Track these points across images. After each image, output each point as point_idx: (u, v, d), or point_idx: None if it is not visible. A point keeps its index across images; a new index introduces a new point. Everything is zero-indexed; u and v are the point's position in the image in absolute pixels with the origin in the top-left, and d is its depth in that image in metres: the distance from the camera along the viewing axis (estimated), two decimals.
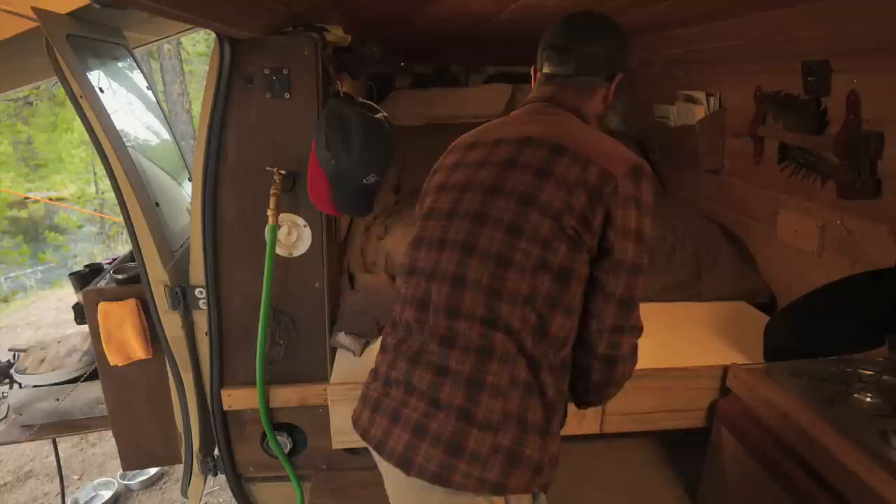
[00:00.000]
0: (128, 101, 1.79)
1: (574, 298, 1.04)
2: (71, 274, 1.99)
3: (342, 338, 1.73)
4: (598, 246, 1.04)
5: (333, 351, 1.76)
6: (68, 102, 1.68)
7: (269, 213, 1.52)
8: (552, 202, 1.02)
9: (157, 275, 1.58)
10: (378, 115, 1.53)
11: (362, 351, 1.74)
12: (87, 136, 1.54)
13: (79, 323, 1.94)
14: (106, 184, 8.75)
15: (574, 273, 1.03)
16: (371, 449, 1.09)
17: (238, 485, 1.81)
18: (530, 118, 1.18)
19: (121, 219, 1.61)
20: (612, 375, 1.09)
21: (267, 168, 1.52)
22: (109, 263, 2.03)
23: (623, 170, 1.03)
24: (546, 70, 1.23)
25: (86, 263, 2.10)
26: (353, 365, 1.71)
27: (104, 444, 3.18)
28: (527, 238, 1.02)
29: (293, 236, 1.60)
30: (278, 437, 1.72)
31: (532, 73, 1.29)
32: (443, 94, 3.07)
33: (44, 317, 5.36)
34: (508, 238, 1.03)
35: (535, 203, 1.02)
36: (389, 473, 1.09)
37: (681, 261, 2.16)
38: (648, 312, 1.15)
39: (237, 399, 1.69)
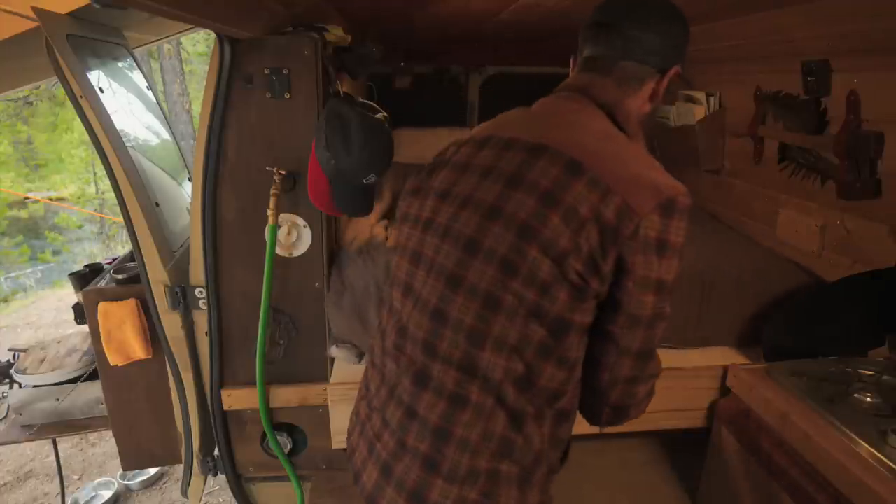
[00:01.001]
0: (128, 101, 1.79)
1: (571, 350, 0.88)
2: (71, 274, 1.99)
3: (335, 351, 1.73)
4: (608, 292, 0.86)
5: None
6: (68, 102, 1.68)
7: (269, 213, 1.52)
8: (556, 240, 0.83)
9: (157, 275, 1.58)
10: (378, 115, 1.53)
11: (360, 358, 1.74)
12: (87, 136, 1.54)
13: (79, 323, 1.94)
14: (106, 184, 8.75)
15: (574, 324, 0.86)
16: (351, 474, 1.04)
17: (238, 485, 1.81)
18: (551, 115, 0.98)
19: (121, 219, 1.61)
20: (624, 418, 0.97)
21: (267, 168, 1.52)
22: (109, 263, 2.03)
23: (650, 205, 0.82)
24: (586, 53, 1.01)
25: (86, 263, 2.10)
26: (353, 365, 1.71)
27: (104, 444, 3.18)
28: (521, 279, 0.85)
29: (293, 236, 1.60)
30: (278, 437, 1.72)
31: (571, 63, 1.07)
32: (447, 134, 3.03)
33: (44, 317, 5.36)
34: (500, 276, 0.86)
35: (536, 238, 0.84)
36: None
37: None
38: None
39: (237, 399, 1.69)
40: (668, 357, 1.69)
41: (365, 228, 1.90)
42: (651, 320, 0.87)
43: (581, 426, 1.76)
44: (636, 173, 0.86)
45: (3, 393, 2.10)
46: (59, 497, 2.46)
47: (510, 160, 0.92)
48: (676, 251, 0.86)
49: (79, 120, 1.48)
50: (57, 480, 2.43)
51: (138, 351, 1.70)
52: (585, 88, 0.98)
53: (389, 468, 0.93)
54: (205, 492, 2.20)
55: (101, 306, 1.66)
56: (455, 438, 0.88)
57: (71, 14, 1.49)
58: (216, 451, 1.78)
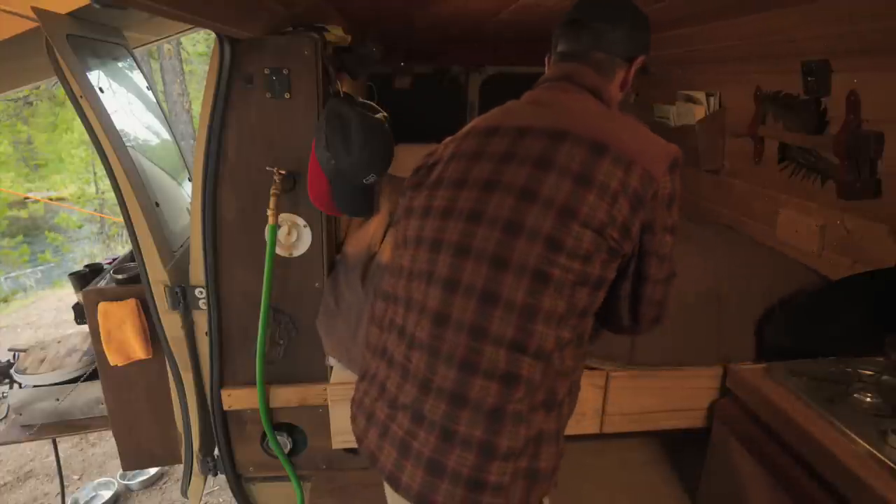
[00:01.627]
0: (128, 101, 1.79)
1: (599, 301, 1.01)
2: (71, 274, 1.99)
3: (332, 360, 1.72)
4: (638, 245, 1.00)
5: None
6: (68, 102, 1.68)
7: (269, 213, 1.52)
8: (595, 214, 0.93)
9: (157, 275, 1.58)
10: (378, 115, 1.53)
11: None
12: (87, 136, 1.53)
13: (79, 323, 1.94)
14: (106, 184, 8.76)
15: (606, 280, 0.99)
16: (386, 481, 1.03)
17: (238, 485, 1.81)
18: (552, 103, 1.07)
19: (121, 219, 1.61)
20: (664, 319, 1.10)
21: (267, 168, 1.52)
22: (109, 263, 2.03)
23: (663, 168, 0.97)
24: (560, 48, 1.14)
25: (86, 263, 2.10)
26: None
27: (104, 444, 3.18)
28: (566, 252, 0.93)
29: (293, 236, 1.60)
30: (278, 437, 1.72)
31: (546, 62, 1.20)
32: None
33: (44, 317, 5.36)
34: (547, 252, 0.93)
35: (576, 215, 0.93)
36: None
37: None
38: None
39: (237, 399, 1.69)
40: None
41: (363, 242, 1.84)
42: (671, 253, 1.04)
43: (582, 426, 1.76)
44: (645, 142, 1.00)
45: (3, 393, 2.10)
46: (59, 497, 2.46)
47: (530, 146, 0.99)
48: (680, 196, 1.02)
49: (79, 120, 1.48)
50: (57, 480, 2.43)
51: (138, 351, 1.70)
52: (570, 76, 1.09)
53: (438, 463, 0.94)
54: (205, 492, 2.20)
55: (101, 306, 1.66)
56: (509, 416, 0.93)
57: (71, 14, 1.49)
58: (216, 451, 1.77)
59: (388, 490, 1.05)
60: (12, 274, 8.19)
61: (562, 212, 0.93)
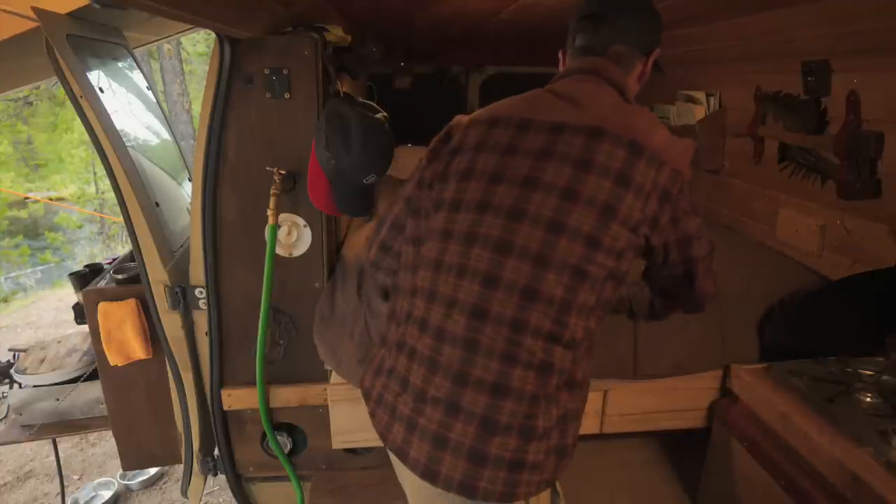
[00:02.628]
0: (128, 101, 1.79)
1: (616, 293, 1.07)
2: (71, 274, 1.99)
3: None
4: (668, 237, 1.06)
5: None
6: (68, 102, 1.68)
7: (269, 213, 1.52)
8: (631, 214, 0.98)
9: (157, 275, 1.58)
10: (378, 115, 1.53)
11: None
12: (87, 136, 1.53)
13: (79, 323, 1.94)
14: (106, 184, 8.75)
15: (627, 275, 1.04)
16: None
17: (238, 485, 1.81)
18: (583, 97, 1.07)
19: (121, 219, 1.61)
20: (711, 299, 1.19)
21: (267, 168, 1.51)
22: (109, 263, 2.03)
23: (686, 164, 1.03)
24: (580, 43, 1.14)
25: (86, 263, 2.10)
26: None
27: (104, 444, 3.18)
28: (604, 250, 0.98)
29: (293, 236, 1.60)
30: (278, 437, 1.72)
31: (560, 56, 1.21)
32: None
33: (44, 317, 5.36)
34: (587, 251, 0.97)
35: (616, 215, 0.98)
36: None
37: None
38: None
39: (237, 399, 1.69)
40: None
41: (362, 247, 1.81)
42: (703, 229, 1.11)
43: (581, 426, 1.76)
44: (669, 139, 1.04)
45: (3, 393, 2.10)
46: (59, 497, 2.46)
47: (569, 143, 1.01)
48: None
49: (79, 120, 1.48)
50: (57, 480, 2.43)
51: (138, 351, 1.70)
52: (595, 70, 1.10)
53: (481, 452, 0.97)
54: (205, 492, 2.20)
55: (101, 306, 1.66)
56: (543, 399, 0.99)
57: (71, 14, 1.49)
58: (216, 451, 1.77)
59: (420, 484, 1.04)
60: (12, 274, 8.20)
61: (603, 211, 0.97)
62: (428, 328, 1.03)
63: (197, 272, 1.60)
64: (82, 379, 1.97)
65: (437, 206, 1.08)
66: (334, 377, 1.69)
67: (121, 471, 2.77)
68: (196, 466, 1.78)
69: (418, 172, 1.17)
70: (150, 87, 2.07)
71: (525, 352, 0.97)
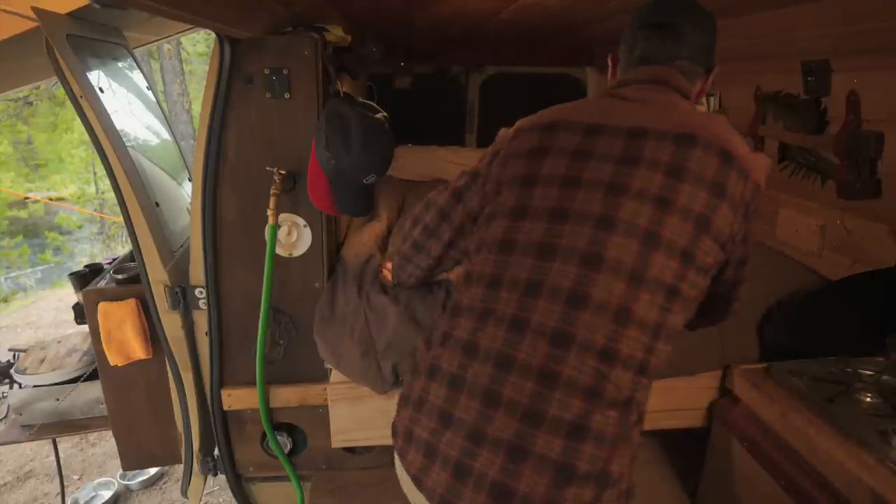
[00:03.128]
0: (128, 101, 1.79)
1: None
2: (71, 274, 1.99)
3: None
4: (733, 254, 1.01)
5: None
6: (68, 102, 1.68)
7: (269, 213, 1.52)
8: (724, 228, 0.91)
9: (157, 275, 1.58)
10: (378, 115, 1.53)
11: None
12: (87, 136, 1.53)
13: (79, 323, 1.94)
14: (106, 184, 8.75)
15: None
16: None
17: (238, 485, 1.81)
18: (660, 104, 0.98)
19: (121, 219, 1.61)
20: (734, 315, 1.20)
21: (267, 168, 1.51)
22: (109, 263, 2.03)
23: (764, 180, 0.97)
24: (641, 52, 1.03)
25: (86, 263, 2.10)
26: None
27: (104, 444, 3.18)
28: (695, 267, 0.89)
29: (293, 236, 1.60)
30: (278, 437, 1.72)
31: (610, 62, 1.11)
32: (447, 153, 2.94)
33: (44, 317, 5.36)
34: (681, 268, 0.88)
35: (710, 228, 0.89)
36: None
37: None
38: None
39: (237, 399, 1.69)
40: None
41: (363, 248, 1.80)
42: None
43: None
44: (750, 151, 0.96)
45: (3, 393, 2.10)
46: (59, 497, 2.47)
47: (654, 148, 0.92)
48: None
49: (79, 120, 1.48)
50: (57, 480, 2.43)
51: (138, 351, 1.70)
52: (665, 80, 1.01)
53: (558, 490, 0.83)
54: (205, 492, 2.20)
55: (101, 306, 1.66)
56: (622, 441, 0.88)
57: (71, 14, 1.49)
58: (216, 451, 1.77)
59: None
60: (12, 274, 8.20)
61: (698, 223, 0.89)
62: (477, 354, 0.90)
63: (197, 272, 1.60)
64: (82, 379, 1.97)
65: (489, 217, 0.98)
66: (334, 376, 1.69)
67: (121, 471, 2.78)
68: (196, 466, 1.78)
69: (460, 182, 1.12)
70: (150, 87, 2.07)
71: (612, 386, 0.85)
